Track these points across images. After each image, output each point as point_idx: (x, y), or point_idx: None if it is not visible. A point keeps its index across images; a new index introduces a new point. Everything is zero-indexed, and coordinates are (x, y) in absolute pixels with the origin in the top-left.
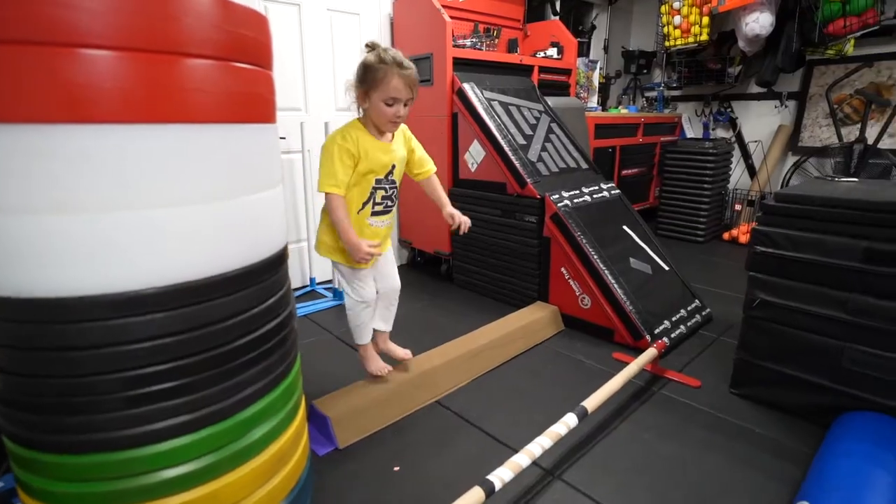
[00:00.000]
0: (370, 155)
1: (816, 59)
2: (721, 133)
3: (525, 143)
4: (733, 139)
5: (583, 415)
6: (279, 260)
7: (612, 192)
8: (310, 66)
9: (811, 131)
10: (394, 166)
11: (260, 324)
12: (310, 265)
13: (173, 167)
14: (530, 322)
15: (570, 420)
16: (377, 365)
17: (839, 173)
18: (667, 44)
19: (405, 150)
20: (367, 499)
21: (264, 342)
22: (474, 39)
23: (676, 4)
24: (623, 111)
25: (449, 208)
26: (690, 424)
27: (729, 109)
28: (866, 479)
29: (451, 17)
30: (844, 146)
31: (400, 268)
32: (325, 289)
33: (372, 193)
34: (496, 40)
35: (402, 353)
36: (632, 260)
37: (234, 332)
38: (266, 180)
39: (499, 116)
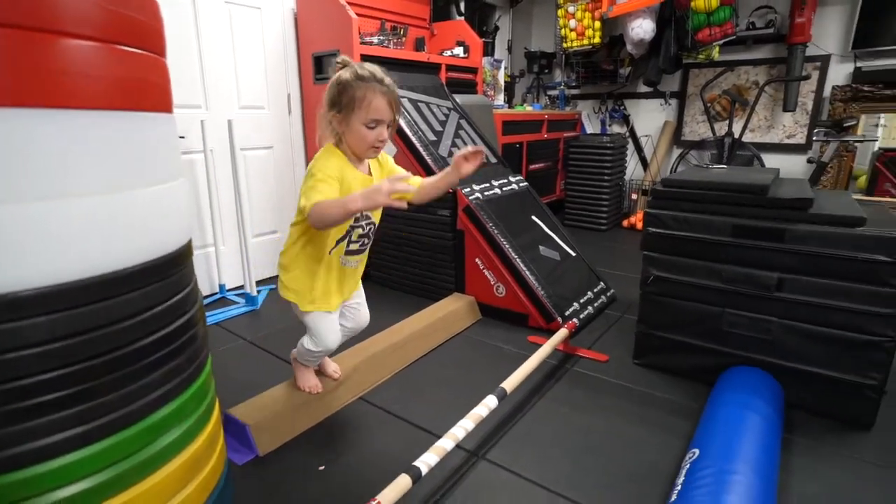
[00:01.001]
0: (352, 188)
1: (691, 62)
2: (616, 129)
3: (436, 139)
4: (627, 134)
5: (502, 396)
6: (183, 256)
7: (521, 184)
8: (208, 62)
9: (691, 126)
10: None
11: (164, 323)
12: (218, 272)
13: (58, 155)
14: (448, 313)
15: (490, 402)
16: (311, 382)
17: (714, 163)
18: (564, 45)
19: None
20: (293, 501)
21: (170, 342)
22: (381, 37)
23: (571, 9)
24: (528, 108)
25: (448, 169)
26: (600, 395)
27: (622, 107)
28: (742, 423)
29: (358, 15)
30: (717, 139)
31: None
32: (237, 295)
33: (349, 232)
34: (403, 39)
35: (331, 369)
36: (541, 248)
37: (135, 332)
38: (164, 172)
39: (409, 113)
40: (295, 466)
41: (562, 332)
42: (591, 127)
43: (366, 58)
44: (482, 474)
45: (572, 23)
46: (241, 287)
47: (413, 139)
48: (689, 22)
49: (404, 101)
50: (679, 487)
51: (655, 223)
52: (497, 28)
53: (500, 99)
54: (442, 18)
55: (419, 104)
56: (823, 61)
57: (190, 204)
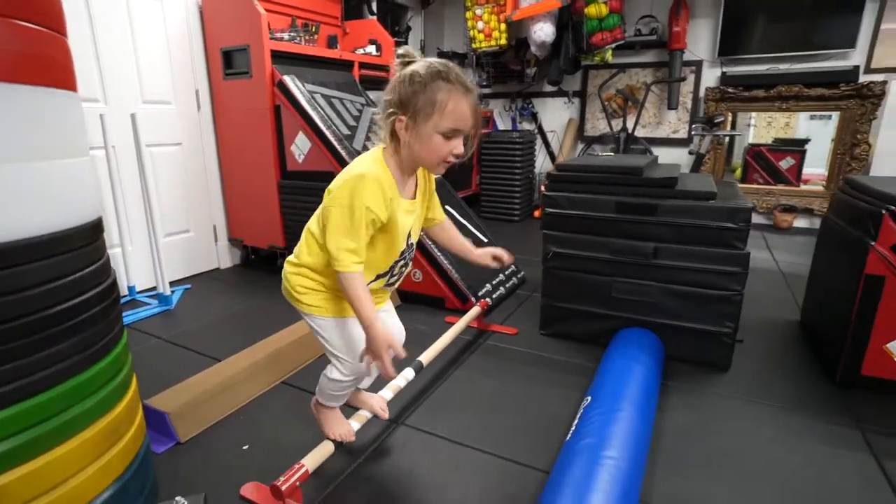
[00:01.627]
0: (395, 221)
1: (589, 64)
2: (526, 125)
3: (350, 133)
4: (535, 130)
5: (419, 368)
6: (95, 229)
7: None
8: (105, 53)
9: (592, 123)
10: (412, 229)
11: (78, 292)
12: (126, 273)
13: None
14: None
15: (408, 374)
16: (343, 428)
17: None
18: (473, 46)
19: (424, 201)
20: (218, 479)
21: (84, 311)
22: (292, 33)
23: (479, 11)
24: None
25: (482, 250)
26: (510, 363)
27: (531, 105)
28: (627, 372)
29: (267, 10)
30: (614, 134)
31: (234, 268)
32: (149, 297)
33: (391, 268)
34: (315, 36)
35: (378, 405)
36: None
37: (47, 299)
38: (71, 147)
39: (322, 108)
40: (218, 449)
41: (475, 310)
42: (503, 124)
43: (277, 54)
44: (401, 437)
45: (480, 24)
46: (154, 289)
47: (327, 133)
48: (583, 27)
49: (317, 96)
50: (574, 428)
51: (552, 204)
52: (409, 28)
53: None
54: (354, 17)
55: (332, 100)
56: (698, 66)
57: (97, 183)
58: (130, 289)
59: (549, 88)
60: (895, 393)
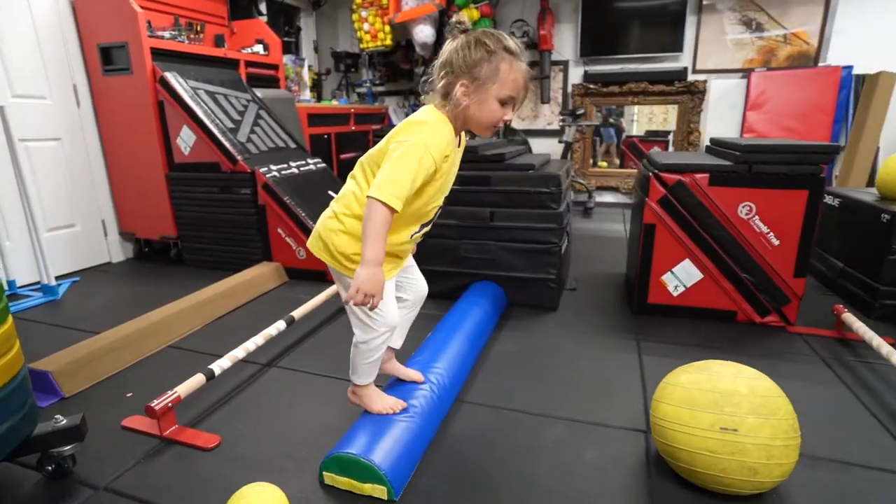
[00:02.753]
0: (448, 173)
1: None
2: None
3: (234, 126)
4: None
5: (290, 321)
6: None
7: (318, 165)
8: None
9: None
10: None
11: None
12: (5, 268)
13: None
14: (253, 276)
15: (279, 325)
16: (388, 402)
17: None
18: (361, 46)
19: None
20: (104, 420)
21: None
22: (175, 32)
23: (364, 14)
24: (335, 103)
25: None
26: None
27: (422, 101)
28: (464, 313)
29: (149, 9)
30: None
31: (128, 261)
32: (32, 290)
33: (424, 225)
34: (201, 35)
35: (414, 374)
36: None
37: None
38: None
39: (206, 103)
40: (103, 400)
41: None
42: (398, 120)
43: (158, 52)
44: (272, 375)
45: (366, 26)
46: (37, 283)
47: (211, 126)
48: None
49: (201, 92)
50: (415, 352)
51: None
52: (299, 28)
53: (307, 94)
54: (243, 17)
55: (217, 95)
56: (565, 65)
57: None
58: (11, 283)
59: None
60: (668, 313)
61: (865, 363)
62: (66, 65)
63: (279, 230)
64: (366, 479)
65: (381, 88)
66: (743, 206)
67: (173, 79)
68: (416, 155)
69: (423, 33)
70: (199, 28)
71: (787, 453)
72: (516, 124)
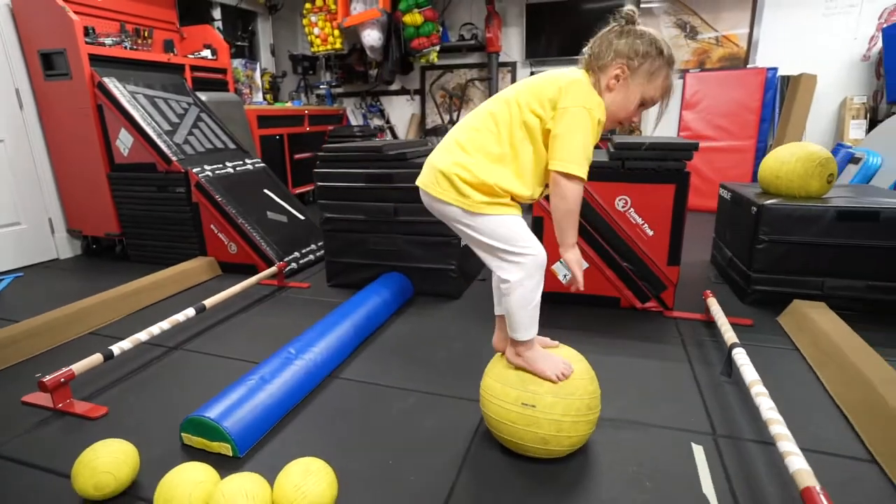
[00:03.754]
0: None
1: (424, 65)
2: (377, 121)
3: (171, 128)
4: (385, 125)
5: (201, 309)
6: None
7: (257, 165)
8: None
9: (431, 117)
10: None
11: None
12: None
13: None
14: (185, 270)
15: (189, 312)
16: (558, 365)
17: None
18: (312, 50)
19: None
20: (7, 397)
21: None
22: (120, 38)
23: (314, 18)
24: (288, 105)
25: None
26: (293, 307)
27: (378, 102)
28: (363, 299)
29: (94, 16)
30: (444, 126)
31: (76, 258)
32: None
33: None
34: (149, 40)
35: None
36: (269, 213)
37: None
38: None
39: (143, 107)
40: (15, 379)
41: (271, 270)
42: (356, 120)
43: (97, 58)
44: (176, 357)
45: (316, 30)
46: None
47: (147, 129)
48: (403, 33)
49: (139, 97)
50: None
51: (321, 179)
52: (253, 33)
53: (259, 97)
54: (194, 23)
55: (156, 99)
56: (513, 66)
57: None
58: None
59: (394, 87)
60: (559, 300)
61: (714, 342)
62: (6, 68)
63: (212, 226)
64: (214, 438)
65: (339, 90)
66: (619, 200)
67: (111, 84)
68: (590, 123)
69: (371, 37)
70: (146, 34)
71: (576, 428)
72: None
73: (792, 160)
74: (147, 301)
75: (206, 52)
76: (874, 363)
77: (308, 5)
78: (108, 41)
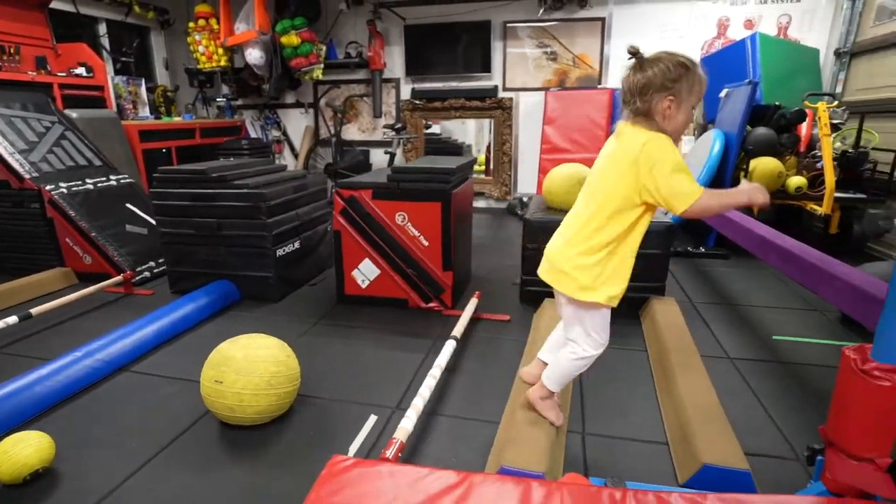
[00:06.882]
0: None
1: (318, 80)
2: (275, 132)
3: (27, 147)
4: (282, 137)
5: (26, 316)
6: None
7: (122, 180)
8: None
9: (324, 129)
10: None
11: None
12: None
13: None
14: (39, 280)
15: (10, 319)
16: (560, 414)
17: (332, 157)
18: (199, 66)
19: None
20: None
21: None
22: None
23: (198, 37)
24: (177, 119)
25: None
26: (127, 310)
27: (275, 115)
28: (177, 305)
29: None
30: (329, 138)
31: None
32: None
33: None
34: (17, 57)
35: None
36: (128, 226)
37: None
38: None
39: None
40: None
41: (115, 279)
42: (255, 132)
43: None
44: None
45: (201, 48)
46: None
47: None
48: (282, 52)
49: None
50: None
51: (158, 197)
52: (139, 48)
53: (146, 111)
54: (79, 38)
55: (13, 119)
56: (396, 83)
57: None
58: None
59: (289, 100)
60: (361, 302)
61: (472, 336)
62: None
63: (67, 240)
64: None
65: (238, 102)
66: (399, 215)
67: None
68: (682, 171)
69: (253, 56)
70: (12, 50)
71: (257, 400)
72: (357, 136)
73: (558, 178)
74: None
75: (81, 70)
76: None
77: (192, 24)
78: None
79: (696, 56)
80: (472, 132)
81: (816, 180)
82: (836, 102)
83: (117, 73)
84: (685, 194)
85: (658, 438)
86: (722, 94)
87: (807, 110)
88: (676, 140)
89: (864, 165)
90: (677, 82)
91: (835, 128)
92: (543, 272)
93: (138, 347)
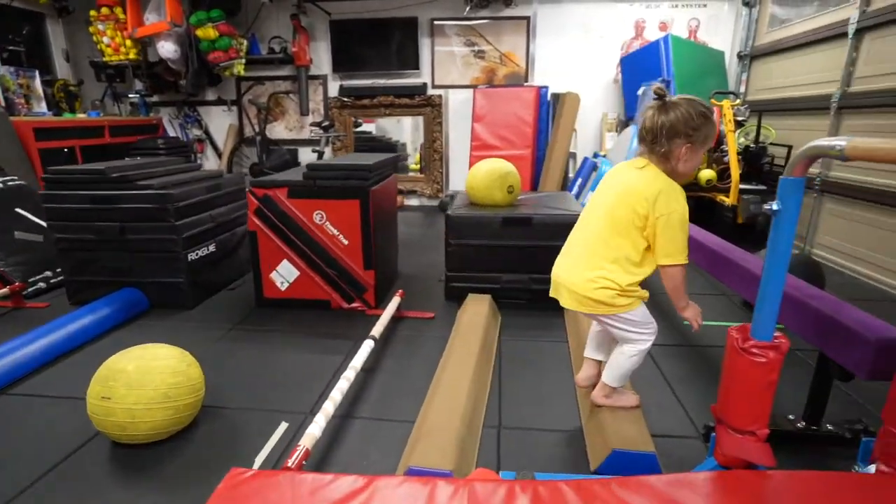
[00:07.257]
0: None
1: (239, 76)
2: (196, 131)
3: None
4: (203, 135)
5: None
6: None
7: (10, 183)
8: None
9: (249, 128)
10: None
11: None
12: None
13: None
14: None
15: None
16: (631, 394)
17: (257, 156)
18: (105, 59)
19: None
20: None
21: None
22: None
23: (101, 27)
24: (81, 116)
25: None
26: (14, 327)
27: (196, 112)
28: (76, 315)
29: None
30: (254, 137)
31: None
32: None
33: None
34: None
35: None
36: (17, 233)
37: None
38: None
39: None
40: None
41: (2, 291)
42: (173, 130)
43: None
44: None
45: (105, 39)
46: None
47: None
48: (198, 46)
49: None
50: None
51: (49, 200)
52: (30, 37)
53: (42, 107)
54: None
55: None
56: (324, 79)
57: None
58: None
59: (210, 97)
60: (281, 305)
61: (393, 336)
62: None
63: None
64: None
65: (154, 99)
66: (317, 214)
67: None
68: (684, 220)
69: (166, 49)
70: None
71: (151, 415)
72: (284, 135)
73: (480, 174)
74: None
75: None
76: (482, 336)
77: (93, 13)
78: None
79: (616, 55)
80: (408, 131)
81: (724, 173)
82: (739, 101)
83: (4, 62)
84: (676, 253)
85: (574, 427)
86: (640, 92)
87: (714, 107)
88: (683, 180)
89: (763, 159)
90: (698, 131)
91: (739, 124)
92: (568, 302)
93: (20, 367)
